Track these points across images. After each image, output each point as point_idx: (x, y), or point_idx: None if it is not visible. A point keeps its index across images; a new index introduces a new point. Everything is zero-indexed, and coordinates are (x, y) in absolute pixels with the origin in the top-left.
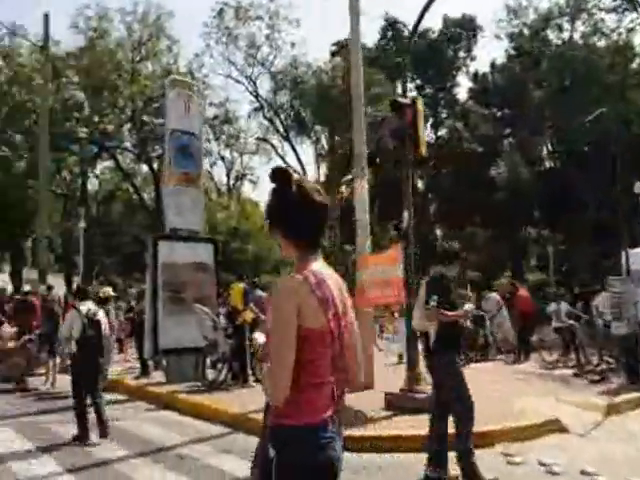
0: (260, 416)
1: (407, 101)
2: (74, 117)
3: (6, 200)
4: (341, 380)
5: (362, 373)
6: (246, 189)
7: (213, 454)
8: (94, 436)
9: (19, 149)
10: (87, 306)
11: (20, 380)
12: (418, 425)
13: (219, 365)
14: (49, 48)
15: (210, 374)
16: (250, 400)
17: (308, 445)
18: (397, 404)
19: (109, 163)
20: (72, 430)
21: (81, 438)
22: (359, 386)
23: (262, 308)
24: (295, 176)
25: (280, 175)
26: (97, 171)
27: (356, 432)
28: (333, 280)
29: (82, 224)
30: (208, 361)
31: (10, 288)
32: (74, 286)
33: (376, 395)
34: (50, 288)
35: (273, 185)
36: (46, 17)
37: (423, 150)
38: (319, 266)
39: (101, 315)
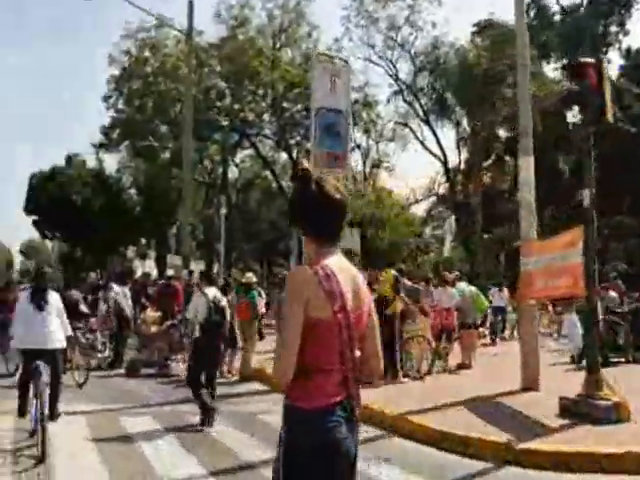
0: (417, 418)
1: (591, 60)
2: (216, 106)
3: (152, 189)
4: (353, 368)
5: (380, 363)
6: (382, 177)
7: (370, 461)
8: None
9: (164, 139)
10: (213, 292)
11: (163, 365)
12: (607, 439)
13: None
14: (193, 38)
15: None
16: (403, 398)
17: (315, 427)
18: (575, 411)
19: (249, 151)
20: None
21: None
22: (377, 375)
23: (416, 299)
24: (315, 175)
25: (301, 174)
26: (237, 159)
27: (531, 444)
28: (345, 274)
29: (223, 211)
30: None
31: (155, 273)
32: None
33: (544, 398)
34: (192, 273)
35: (295, 184)
36: (190, 6)
37: (610, 117)
38: (334, 260)
39: (225, 303)
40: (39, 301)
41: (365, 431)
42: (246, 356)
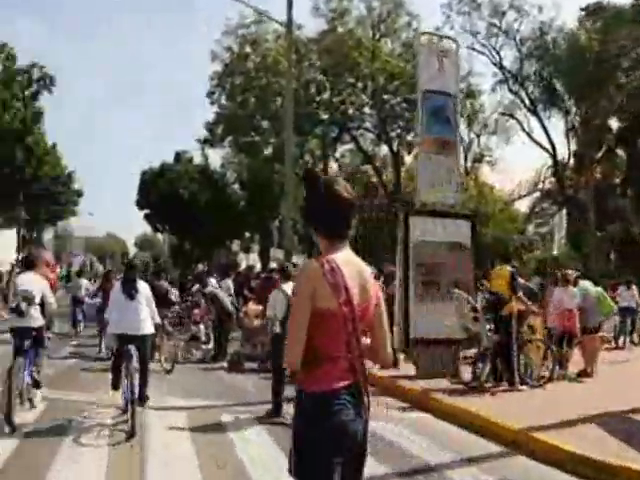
0: (541, 435)
1: None
2: (315, 100)
3: (255, 184)
4: (360, 356)
5: (388, 353)
6: (484, 171)
7: None
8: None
9: (266, 134)
10: (291, 287)
11: (266, 359)
12: None
13: (479, 363)
14: (292, 31)
15: (465, 371)
16: (523, 410)
17: (323, 409)
18: None
19: (349, 145)
20: None
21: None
22: (386, 364)
23: (536, 298)
24: (324, 177)
25: (309, 176)
26: (337, 154)
27: None
28: (351, 268)
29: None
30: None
31: (259, 266)
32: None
33: None
34: (295, 265)
35: (304, 185)
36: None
37: None
38: (342, 255)
39: None
40: (130, 290)
41: (484, 447)
42: None
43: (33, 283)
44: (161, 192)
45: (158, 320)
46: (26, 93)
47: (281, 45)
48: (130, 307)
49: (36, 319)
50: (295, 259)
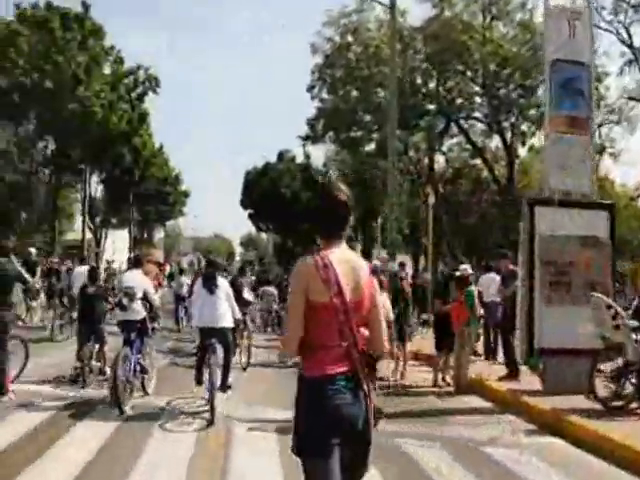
0: None
1: None
2: (420, 91)
3: (357, 181)
4: (355, 345)
5: (383, 343)
6: (606, 164)
7: None
8: None
9: (368, 129)
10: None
11: None
12: None
13: (622, 379)
14: (396, 18)
15: (601, 387)
16: None
17: (318, 392)
18: None
19: (456, 139)
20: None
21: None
22: (381, 351)
23: None
24: (322, 181)
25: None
26: (444, 148)
27: None
28: (346, 265)
29: (430, 203)
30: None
31: None
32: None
33: None
34: (403, 265)
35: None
36: None
37: None
38: (337, 253)
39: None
40: (210, 286)
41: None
42: (461, 363)
43: (136, 280)
44: (264, 191)
45: (238, 316)
46: (132, 95)
47: (384, 33)
48: (210, 301)
49: (138, 312)
50: (400, 258)
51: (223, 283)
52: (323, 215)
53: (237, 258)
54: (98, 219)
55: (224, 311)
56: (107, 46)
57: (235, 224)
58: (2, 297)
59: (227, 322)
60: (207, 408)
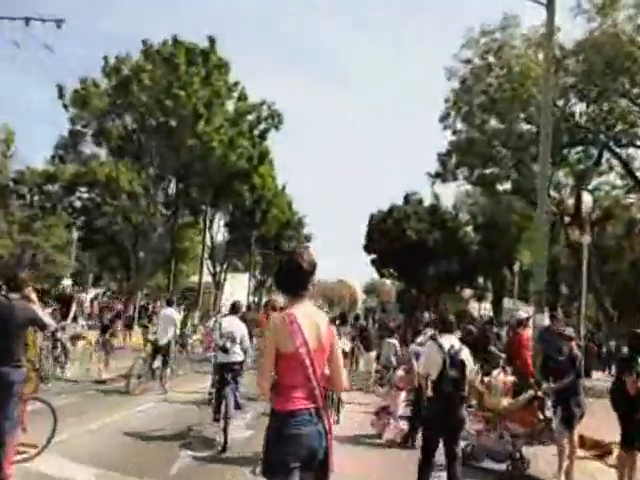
0: None
1: None
2: (573, 117)
3: (491, 224)
4: (319, 385)
5: (342, 380)
6: None
7: None
8: None
9: (504, 165)
10: (450, 341)
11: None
12: None
13: None
14: (554, 20)
15: None
16: None
17: (284, 424)
18: None
19: (605, 177)
20: None
21: None
22: (341, 389)
23: None
24: (288, 249)
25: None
26: (591, 185)
27: None
28: (309, 319)
29: (585, 243)
30: None
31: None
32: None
33: None
34: (554, 318)
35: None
36: None
37: None
38: (301, 309)
39: (466, 355)
40: None
41: None
42: None
43: (233, 326)
44: (388, 234)
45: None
46: (254, 132)
47: (533, 51)
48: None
49: (238, 355)
50: (526, 310)
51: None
52: (288, 278)
53: (359, 305)
54: (218, 262)
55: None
56: (231, 82)
57: (358, 269)
58: (6, 348)
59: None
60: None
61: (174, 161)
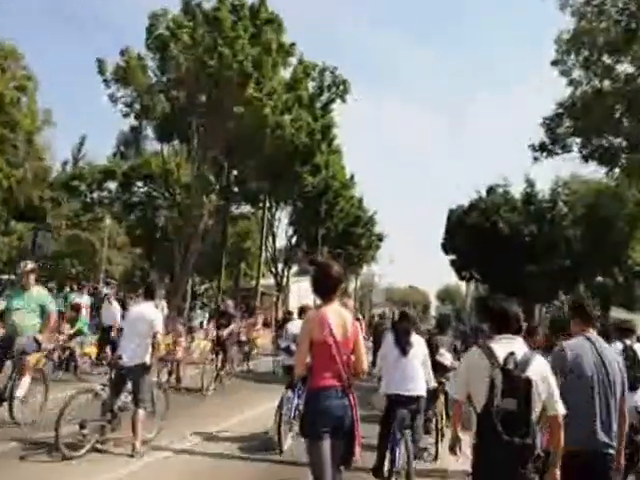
0: None
1: None
2: None
3: (596, 218)
4: (345, 367)
5: (364, 365)
6: None
7: None
8: None
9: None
10: (508, 348)
11: None
12: None
13: None
14: None
15: None
16: None
17: (316, 399)
18: None
19: None
20: None
21: None
22: (362, 372)
23: None
24: (319, 261)
25: (313, 263)
26: None
27: None
28: (337, 316)
29: None
30: None
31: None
32: None
33: None
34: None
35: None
36: None
37: None
38: (330, 308)
39: (539, 370)
40: (404, 344)
41: None
42: None
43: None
44: (473, 229)
45: (433, 384)
46: (317, 104)
47: None
48: (402, 364)
49: None
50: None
51: (419, 342)
52: (321, 285)
53: (432, 313)
54: (281, 262)
55: (419, 376)
56: (287, 43)
57: (432, 274)
58: None
59: (422, 390)
60: None
61: (222, 135)
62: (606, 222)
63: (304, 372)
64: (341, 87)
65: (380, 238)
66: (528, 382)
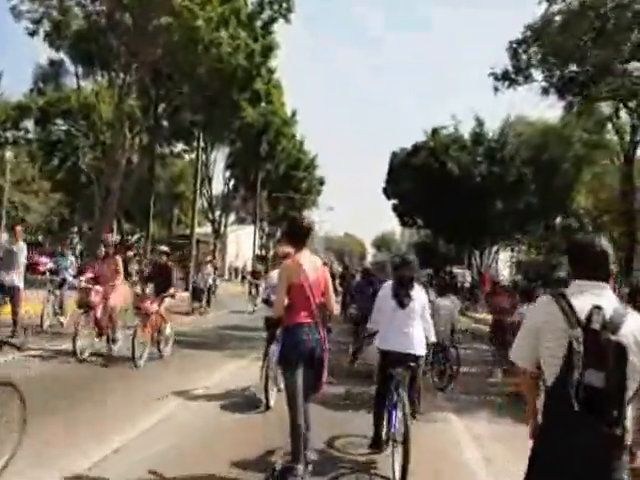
0: None
1: None
2: None
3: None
4: (317, 307)
5: (332, 305)
6: None
7: None
8: None
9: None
10: (596, 297)
11: None
12: None
13: None
14: None
15: None
16: None
17: (292, 333)
18: None
19: None
20: None
21: None
22: (332, 311)
23: None
24: (292, 214)
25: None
26: None
27: None
28: (309, 261)
29: None
30: None
31: None
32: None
33: None
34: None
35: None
36: None
37: None
38: (303, 255)
39: (630, 331)
40: (403, 296)
41: None
42: None
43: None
44: (414, 173)
45: (433, 339)
46: (256, 23)
47: None
48: (400, 318)
49: None
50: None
51: (419, 293)
52: (294, 235)
53: (369, 259)
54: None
55: (417, 333)
56: None
57: (371, 222)
58: None
59: (421, 349)
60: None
61: (148, 56)
62: (553, 164)
63: (282, 313)
64: (284, 4)
65: (322, 182)
66: (621, 348)
